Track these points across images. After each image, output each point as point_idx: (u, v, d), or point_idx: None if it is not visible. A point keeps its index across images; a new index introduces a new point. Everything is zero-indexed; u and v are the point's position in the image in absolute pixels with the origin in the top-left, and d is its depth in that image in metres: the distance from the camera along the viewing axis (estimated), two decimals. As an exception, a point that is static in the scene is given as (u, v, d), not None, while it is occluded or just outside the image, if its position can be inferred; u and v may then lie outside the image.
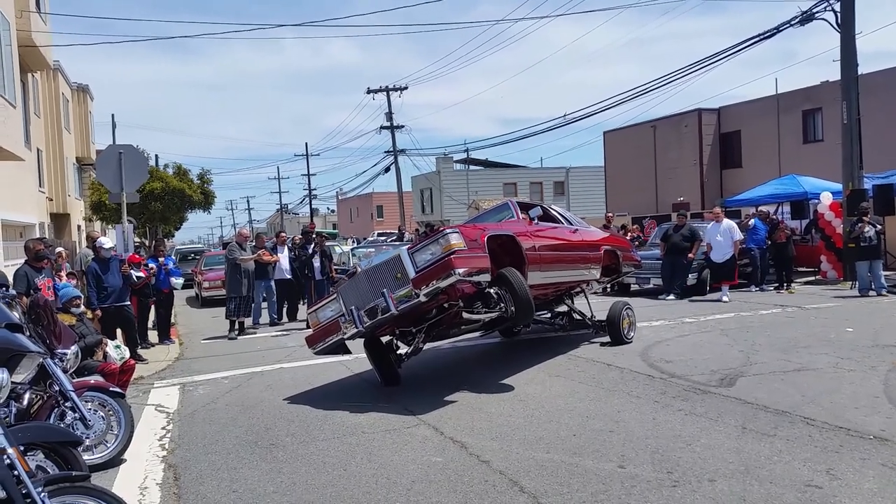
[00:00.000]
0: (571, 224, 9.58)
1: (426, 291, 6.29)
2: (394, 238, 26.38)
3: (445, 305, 6.88)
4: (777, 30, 17.53)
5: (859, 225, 13.57)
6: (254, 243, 13.75)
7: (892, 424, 5.22)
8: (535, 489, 4.31)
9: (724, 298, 13.37)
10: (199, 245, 57.26)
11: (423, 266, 6.38)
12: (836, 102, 17.06)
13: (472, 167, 50.81)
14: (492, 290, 6.78)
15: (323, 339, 7.08)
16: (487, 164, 51.37)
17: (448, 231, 6.52)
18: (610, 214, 20.25)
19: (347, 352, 7.44)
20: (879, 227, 14.52)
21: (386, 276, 6.64)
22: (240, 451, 5.49)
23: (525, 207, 8.90)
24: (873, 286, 13.28)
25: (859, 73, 16.39)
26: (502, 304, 6.78)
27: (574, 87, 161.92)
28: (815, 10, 16.42)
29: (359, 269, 6.94)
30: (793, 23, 16.97)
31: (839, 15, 15.88)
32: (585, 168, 49.33)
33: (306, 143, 63.34)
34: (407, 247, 6.69)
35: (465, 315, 7.09)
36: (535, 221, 8.38)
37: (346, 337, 6.89)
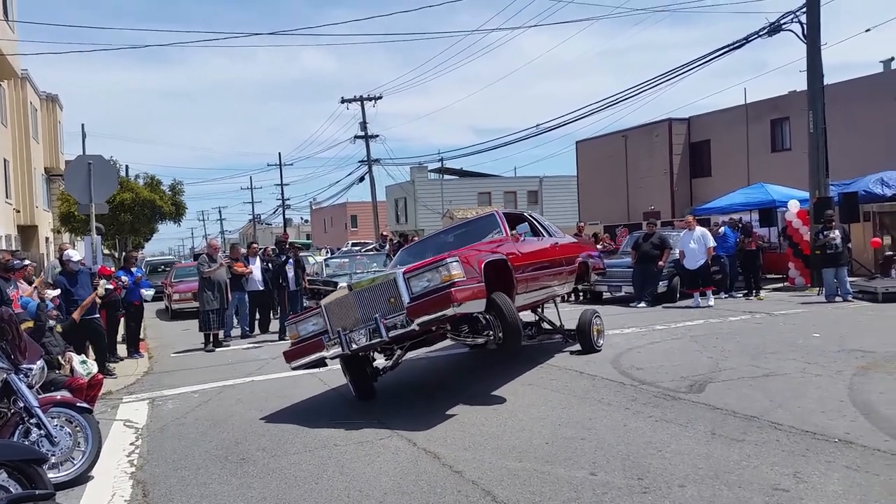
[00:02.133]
0: (552, 235, 9.50)
1: (421, 322, 6.00)
2: (370, 248, 26.24)
3: (433, 328, 6.74)
4: (746, 40, 17.83)
5: (825, 232, 13.83)
6: (227, 254, 13.63)
7: (856, 427, 5.32)
8: (507, 498, 4.31)
9: (710, 302, 13.56)
10: (170, 257, 56.53)
11: (420, 294, 6.08)
12: (803, 112, 17.39)
13: (446, 177, 50.96)
14: (481, 315, 6.59)
15: (303, 356, 6.77)
16: (462, 173, 51.54)
17: (449, 260, 6.10)
18: (581, 224, 20.42)
19: (323, 364, 7.23)
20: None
21: (378, 298, 6.31)
22: (210, 467, 5.42)
23: (511, 220, 8.73)
24: (839, 292, 13.52)
25: (825, 83, 16.74)
26: (490, 331, 6.64)
27: (547, 97, 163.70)
28: (782, 22, 16.76)
29: (343, 284, 6.59)
30: (761, 34, 17.29)
31: (805, 27, 16.24)
32: (559, 177, 49.74)
33: (279, 153, 62.96)
34: (403, 269, 6.32)
35: (450, 337, 6.91)
36: (522, 238, 8.23)
37: (328, 356, 6.66)
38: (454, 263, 6.06)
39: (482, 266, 6.42)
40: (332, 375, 8.80)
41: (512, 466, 4.89)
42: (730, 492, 4.20)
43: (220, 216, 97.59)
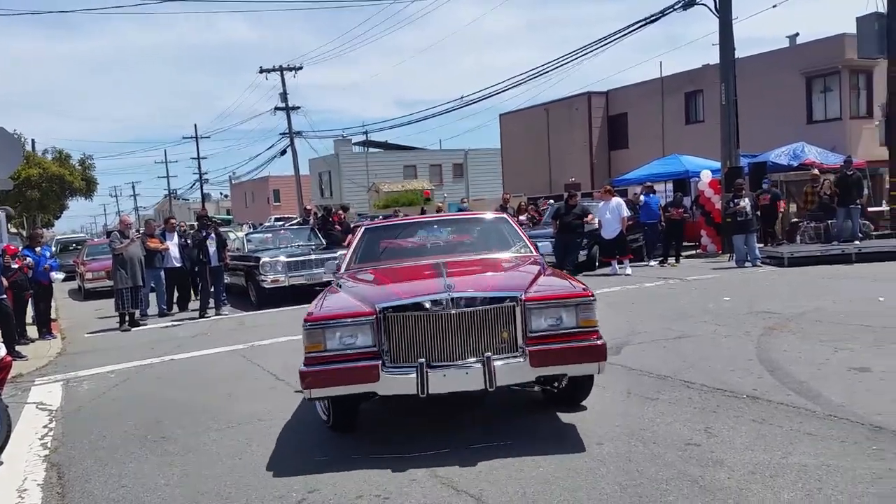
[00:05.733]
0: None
1: (545, 374, 4.58)
2: (294, 222, 25.78)
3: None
4: (662, 14, 18.29)
5: (736, 201, 14.43)
6: (141, 230, 13.17)
7: (762, 384, 5.62)
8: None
9: (628, 271, 13.98)
10: (82, 234, 54.18)
11: (546, 335, 4.52)
12: (716, 85, 18.02)
13: (371, 149, 50.52)
14: None
15: (337, 383, 4.48)
16: (387, 146, 51.24)
17: (589, 298, 4.61)
18: (507, 195, 20.66)
19: (368, 397, 4.78)
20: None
21: (485, 326, 4.50)
22: (128, 446, 5.27)
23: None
24: (749, 258, 14.17)
25: (736, 56, 17.35)
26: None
27: (472, 69, 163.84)
28: (696, -5, 17.24)
29: (441, 290, 4.56)
30: (676, 7, 17.77)
31: (717, 1, 16.76)
32: (483, 150, 49.97)
33: (195, 125, 60.80)
34: (523, 291, 4.58)
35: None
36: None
37: (383, 393, 4.54)
38: (594, 303, 4.64)
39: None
40: (255, 352, 8.69)
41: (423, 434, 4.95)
42: (645, 448, 4.38)
43: (134, 192, 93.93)
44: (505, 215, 7.60)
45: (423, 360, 4.36)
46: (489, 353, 4.37)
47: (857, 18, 17.40)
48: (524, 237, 6.56)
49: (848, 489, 3.60)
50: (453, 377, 4.41)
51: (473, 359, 4.42)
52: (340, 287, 5.53)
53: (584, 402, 5.28)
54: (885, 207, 17.90)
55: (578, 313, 4.55)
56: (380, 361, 4.42)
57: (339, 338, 4.48)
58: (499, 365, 4.36)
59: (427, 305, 4.49)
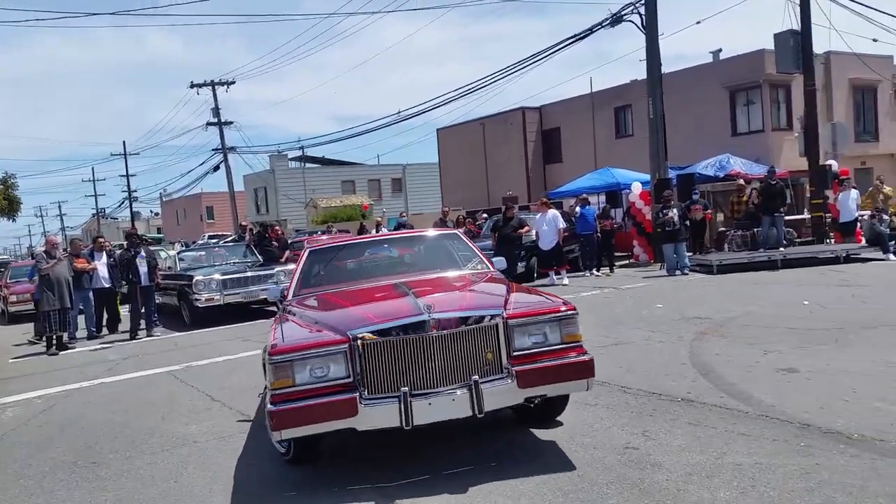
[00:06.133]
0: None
1: (532, 394, 4.31)
2: (230, 240, 25.20)
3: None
4: (590, 31, 18.76)
5: (665, 211, 14.85)
6: (67, 250, 12.69)
7: (696, 387, 5.78)
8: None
9: (565, 281, 14.18)
10: (5, 256, 51.87)
11: (530, 353, 4.30)
12: (644, 99, 18.56)
13: (308, 165, 50.06)
14: None
15: (310, 421, 4.01)
16: (324, 161, 50.83)
17: (571, 311, 4.43)
18: (446, 209, 20.74)
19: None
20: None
21: (468, 346, 4.22)
22: (57, 473, 5.05)
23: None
24: (679, 266, 14.59)
25: (663, 72, 17.94)
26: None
27: (407, 85, 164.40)
28: (623, 13, 17.78)
29: (422, 311, 4.21)
30: (604, 24, 18.26)
31: (644, 18, 17.30)
32: (421, 165, 50.17)
33: (124, 142, 59.14)
34: (503, 308, 4.38)
35: None
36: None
37: (363, 427, 4.08)
38: (577, 317, 4.48)
39: None
40: (190, 373, 8.47)
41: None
42: (585, 452, 4.44)
43: (60, 211, 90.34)
44: (457, 231, 7.45)
45: (406, 388, 4.00)
46: (476, 377, 4.07)
47: (775, 35, 18.20)
48: (479, 253, 6.35)
49: (779, 485, 3.73)
50: (440, 405, 4.04)
51: (458, 384, 4.10)
52: (294, 314, 5.07)
53: (558, 418, 5.10)
54: (806, 216, 18.71)
55: (562, 328, 4.35)
56: (356, 394, 4.01)
57: (309, 371, 4.03)
58: (486, 388, 4.07)
59: (405, 329, 4.13)
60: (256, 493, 4.32)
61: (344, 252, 6.78)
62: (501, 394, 4.14)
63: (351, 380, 4.06)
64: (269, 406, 4.01)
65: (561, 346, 4.32)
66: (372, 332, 4.11)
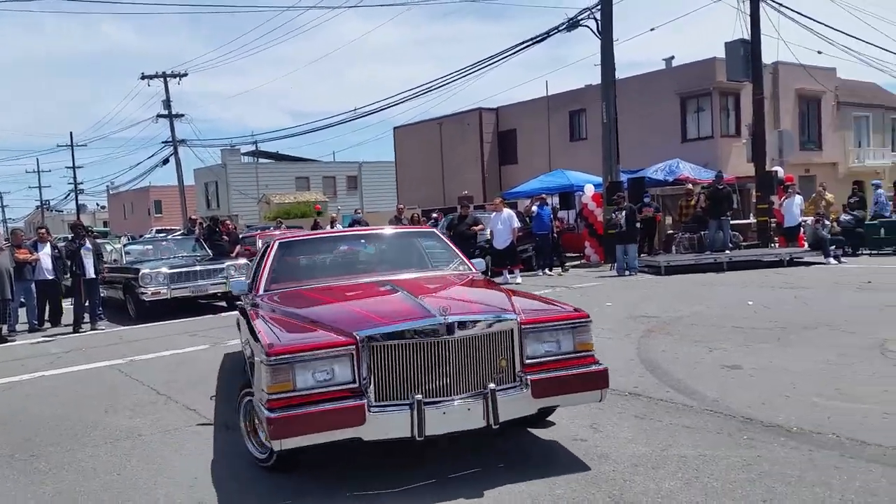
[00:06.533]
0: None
1: (546, 405, 4.15)
2: (181, 232, 24.68)
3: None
4: (547, 34, 18.97)
5: (616, 213, 15.09)
6: (9, 241, 12.27)
7: (644, 382, 5.90)
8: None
9: (518, 280, 14.28)
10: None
11: (543, 361, 4.09)
12: (598, 104, 18.84)
13: (261, 160, 49.38)
14: None
15: (314, 430, 3.67)
16: (278, 157, 50.25)
17: (588, 318, 4.28)
18: (401, 206, 20.68)
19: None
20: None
21: (483, 354, 3.95)
22: (-8, 467, 4.88)
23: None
24: (628, 267, 14.84)
25: (617, 77, 18.23)
26: None
27: (363, 82, 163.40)
28: (579, 18, 18.03)
29: (445, 319, 3.83)
30: (561, 28, 18.47)
31: (599, 23, 17.55)
32: (377, 163, 49.94)
33: (71, 133, 57.47)
34: (519, 318, 4.08)
35: None
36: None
37: (369, 437, 3.77)
38: (590, 324, 4.30)
39: None
40: (135, 367, 8.29)
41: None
42: (534, 445, 4.50)
43: (2, 202, 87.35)
44: (435, 230, 7.14)
45: (420, 396, 3.71)
46: (492, 385, 3.81)
47: (726, 44, 18.66)
48: (459, 254, 6.11)
49: (722, 476, 3.83)
50: (454, 415, 3.77)
51: (471, 392, 3.85)
52: (274, 311, 4.71)
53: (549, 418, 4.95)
54: (752, 220, 19.23)
55: (575, 336, 4.16)
56: (364, 400, 3.70)
57: (312, 374, 3.70)
58: (501, 398, 3.83)
59: (419, 332, 3.82)
60: (185, 471, 4.24)
61: (317, 245, 6.52)
62: (516, 403, 3.92)
63: (357, 385, 3.76)
64: (266, 412, 3.65)
65: (574, 355, 4.15)
66: (384, 334, 3.81)
